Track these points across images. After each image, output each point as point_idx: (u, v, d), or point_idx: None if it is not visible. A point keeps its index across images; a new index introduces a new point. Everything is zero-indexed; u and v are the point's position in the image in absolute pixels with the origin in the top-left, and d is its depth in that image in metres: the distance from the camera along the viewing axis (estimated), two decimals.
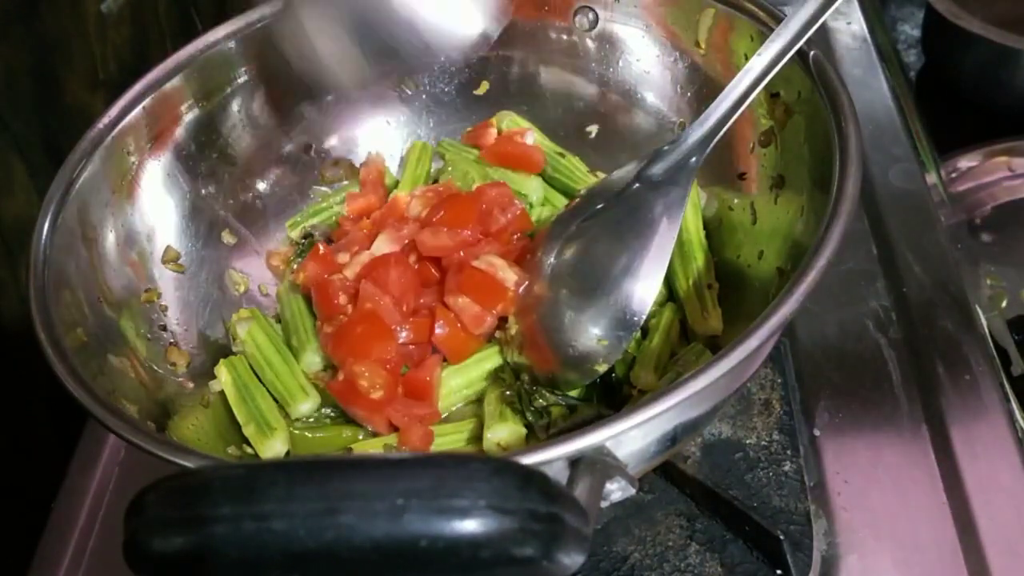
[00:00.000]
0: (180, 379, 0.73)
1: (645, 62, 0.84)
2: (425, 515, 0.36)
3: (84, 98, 0.97)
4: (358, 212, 0.86)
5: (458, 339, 0.74)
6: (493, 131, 0.88)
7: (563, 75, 0.89)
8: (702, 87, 0.81)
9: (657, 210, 0.69)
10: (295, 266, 0.84)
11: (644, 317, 0.67)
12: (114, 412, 0.55)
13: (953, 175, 1.05)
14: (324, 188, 0.90)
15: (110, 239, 0.73)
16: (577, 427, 0.48)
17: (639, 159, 0.72)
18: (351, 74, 0.80)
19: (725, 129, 0.69)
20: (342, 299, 0.76)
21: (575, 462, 0.48)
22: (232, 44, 0.81)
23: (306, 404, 0.73)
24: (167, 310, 0.75)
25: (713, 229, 0.79)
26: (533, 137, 0.87)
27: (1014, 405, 0.78)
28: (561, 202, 0.85)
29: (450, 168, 0.87)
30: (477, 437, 0.70)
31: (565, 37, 0.87)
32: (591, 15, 0.85)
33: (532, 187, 0.84)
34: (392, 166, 0.91)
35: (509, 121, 0.89)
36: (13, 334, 0.86)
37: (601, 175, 0.85)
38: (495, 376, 0.73)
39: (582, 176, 0.85)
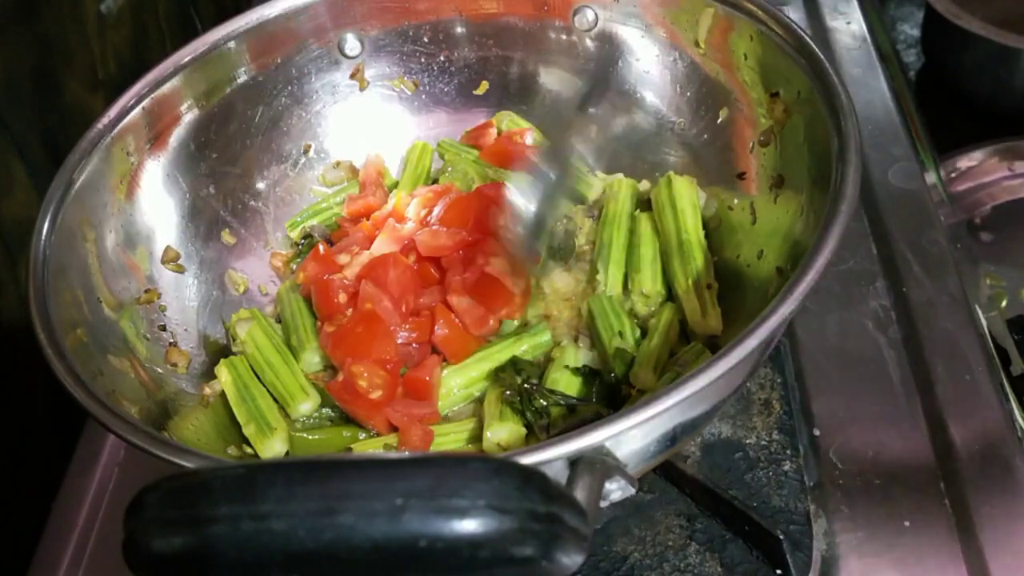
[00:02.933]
0: (180, 379, 0.73)
1: (645, 62, 0.84)
2: (424, 515, 0.36)
3: (84, 98, 0.97)
4: (357, 213, 0.86)
5: (458, 339, 0.74)
6: (493, 131, 0.88)
7: (563, 75, 0.89)
8: (702, 87, 0.81)
9: None
10: (295, 267, 0.84)
11: None
12: (114, 412, 0.55)
13: (953, 175, 1.05)
14: (324, 189, 0.90)
15: (110, 239, 0.73)
16: (576, 427, 0.48)
17: None
18: None
19: None
20: (342, 298, 0.76)
21: (575, 462, 0.48)
22: (232, 44, 0.81)
23: (306, 404, 0.73)
24: (167, 310, 0.75)
25: (713, 229, 0.79)
26: (533, 137, 0.87)
27: (1014, 405, 0.78)
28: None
29: (450, 169, 0.87)
30: (477, 437, 0.70)
31: (565, 37, 0.87)
32: (591, 15, 0.85)
33: None
34: (392, 166, 0.91)
35: (509, 121, 0.89)
36: (13, 334, 0.86)
37: (601, 175, 0.86)
38: (495, 376, 0.73)
39: (582, 174, 0.85)
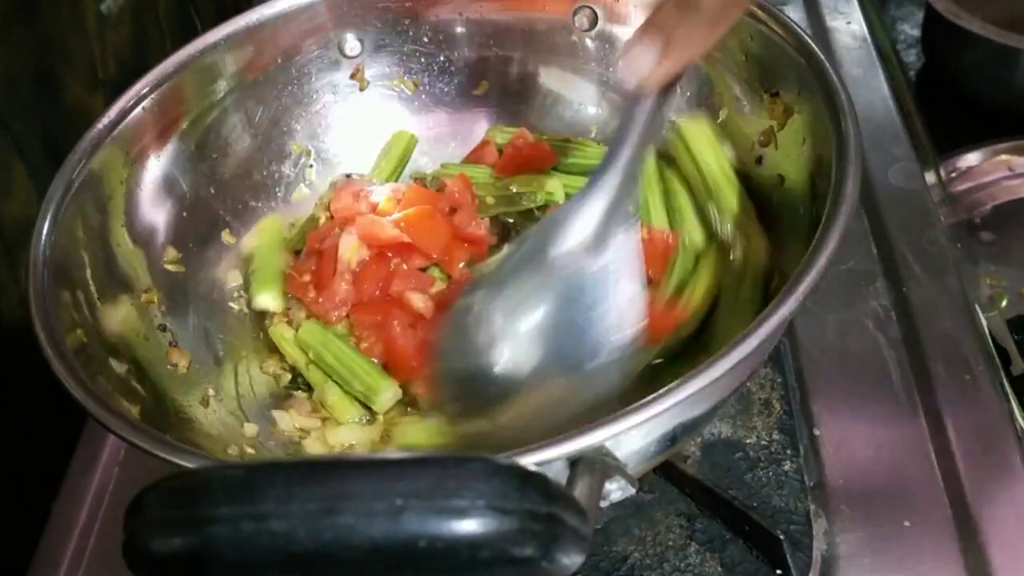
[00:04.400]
0: (180, 379, 0.72)
1: None
2: (424, 515, 0.36)
3: (84, 98, 0.97)
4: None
5: None
6: (492, 148, 0.88)
7: (563, 75, 0.89)
8: (701, 87, 0.81)
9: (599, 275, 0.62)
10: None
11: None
12: (114, 412, 0.55)
13: (953, 175, 1.05)
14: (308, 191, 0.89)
15: (109, 239, 0.73)
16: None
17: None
18: None
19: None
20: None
21: (574, 462, 0.48)
22: (232, 44, 0.81)
23: (389, 391, 0.73)
24: (167, 310, 0.75)
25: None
26: (528, 136, 0.87)
27: (1014, 405, 0.78)
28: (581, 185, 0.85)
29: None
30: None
31: (565, 37, 0.87)
32: (591, 15, 0.85)
33: (555, 185, 0.84)
34: None
35: (500, 133, 0.89)
36: (13, 334, 0.86)
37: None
38: None
39: (594, 150, 0.86)
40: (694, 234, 0.76)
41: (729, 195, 0.75)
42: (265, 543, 0.35)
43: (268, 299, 0.80)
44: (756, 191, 0.76)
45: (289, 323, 0.80)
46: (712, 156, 0.77)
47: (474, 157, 0.89)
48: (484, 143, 0.89)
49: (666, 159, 0.82)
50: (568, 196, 0.84)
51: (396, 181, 0.89)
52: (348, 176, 0.89)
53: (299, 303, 0.80)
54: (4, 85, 0.86)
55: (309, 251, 0.82)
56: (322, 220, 0.85)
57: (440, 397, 0.68)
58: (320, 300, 0.78)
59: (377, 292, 0.78)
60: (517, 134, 0.87)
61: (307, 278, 0.80)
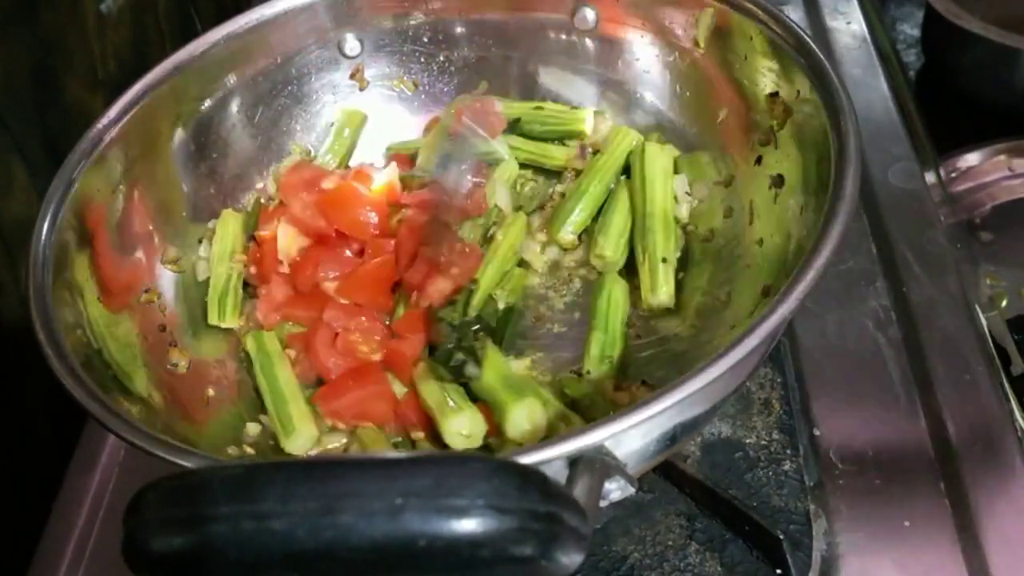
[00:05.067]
0: (180, 379, 0.72)
1: (645, 62, 0.84)
2: (424, 514, 0.36)
3: (84, 98, 0.97)
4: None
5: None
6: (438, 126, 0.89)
7: (563, 75, 0.89)
8: (701, 87, 0.81)
9: None
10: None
11: None
12: (114, 412, 0.55)
13: (953, 175, 1.04)
14: None
15: (110, 239, 0.73)
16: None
17: None
18: None
19: None
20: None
21: (574, 461, 0.48)
22: (232, 44, 0.81)
23: (301, 438, 0.70)
24: (167, 310, 0.75)
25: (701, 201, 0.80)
26: (499, 104, 0.87)
27: (1014, 405, 0.78)
28: (549, 152, 0.87)
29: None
30: None
31: (565, 37, 0.87)
32: (591, 15, 0.85)
33: (501, 146, 0.85)
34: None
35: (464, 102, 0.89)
36: (13, 334, 0.86)
37: (591, 110, 0.87)
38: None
39: (567, 115, 0.86)
40: (607, 249, 0.78)
41: (658, 232, 0.76)
42: (265, 542, 0.35)
43: (229, 322, 0.78)
44: (755, 191, 0.76)
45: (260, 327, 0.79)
46: (660, 189, 0.78)
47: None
48: (435, 119, 0.90)
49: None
50: (516, 157, 0.86)
51: (348, 160, 0.89)
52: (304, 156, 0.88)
53: None
54: (4, 85, 0.86)
55: (258, 239, 0.81)
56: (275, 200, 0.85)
57: None
58: (259, 300, 0.79)
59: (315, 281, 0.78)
60: (486, 101, 0.87)
61: (253, 270, 0.80)
